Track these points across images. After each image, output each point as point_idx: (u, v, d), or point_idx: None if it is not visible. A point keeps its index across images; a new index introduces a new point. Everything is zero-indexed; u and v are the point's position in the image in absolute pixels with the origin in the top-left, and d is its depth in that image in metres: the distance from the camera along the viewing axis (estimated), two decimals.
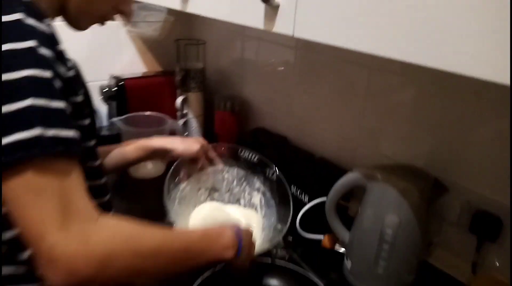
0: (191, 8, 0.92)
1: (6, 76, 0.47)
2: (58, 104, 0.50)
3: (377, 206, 0.80)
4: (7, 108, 0.46)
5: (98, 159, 0.70)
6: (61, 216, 0.48)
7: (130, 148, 0.91)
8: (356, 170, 0.83)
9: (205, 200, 1.01)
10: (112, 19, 0.72)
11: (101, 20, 0.71)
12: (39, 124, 0.47)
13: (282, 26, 0.64)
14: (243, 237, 0.66)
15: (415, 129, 0.92)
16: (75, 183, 0.51)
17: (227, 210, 0.99)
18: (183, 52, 1.39)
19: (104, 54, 1.41)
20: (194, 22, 1.56)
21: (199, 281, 0.74)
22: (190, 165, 0.94)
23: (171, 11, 1.44)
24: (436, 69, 0.47)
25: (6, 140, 0.46)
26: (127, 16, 0.72)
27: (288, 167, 1.04)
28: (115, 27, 1.40)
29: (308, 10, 0.61)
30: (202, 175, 0.99)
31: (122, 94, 1.36)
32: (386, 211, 0.78)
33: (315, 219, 0.98)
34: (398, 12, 0.50)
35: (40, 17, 0.53)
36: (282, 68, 1.24)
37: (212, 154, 0.97)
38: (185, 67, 1.38)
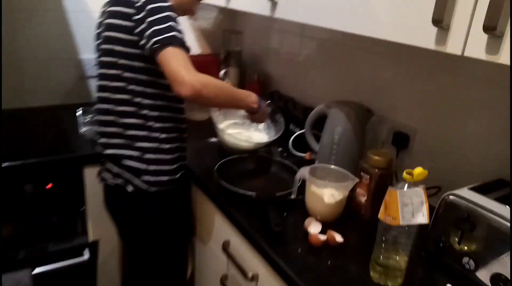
0: (279, 14, 1.34)
1: (159, 6, 1.04)
2: (180, 29, 1.07)
3: (331, 123, 1.32)
4: (163, 21, 1.02)
5: None
6: (185, 67, 1.02)
7: None
8: (321, 105, 1.37)
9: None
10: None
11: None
12: (176, 31, 1.04)
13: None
14: (261, 102, 1.26)
15: (351, 81, 1.44)
16: (189, 60, 1.05)
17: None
18: (226, 39, 1.99)
19: None
20: (236, 17, 2.15)
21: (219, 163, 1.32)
22: None
23: (220, 9, 2.05)
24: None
25: (160, 36, 1.02)
26: (194, 13, 1.31)
27: (290, 113, 1.60)
28: (183, 20, 2.02)
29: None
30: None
31: None
32: (336, 125, 1.30)
33: (301, 144, 1.52)
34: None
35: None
36: (294, 54, 1.80)
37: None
38: (227, 50, 1.98)
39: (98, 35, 1.21)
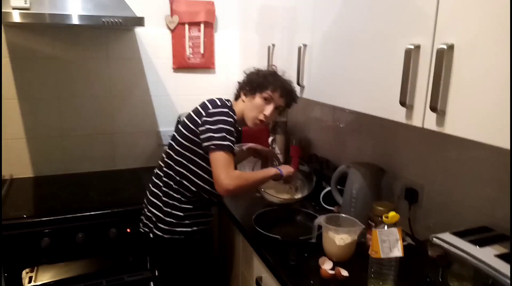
0: (305, 95, 1.83)
1: (222, 118, 1.44)
2: (231, 137, 1.44)
3: (350, 181, 1.59)
4: (219, 132, 1.42)
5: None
6: (226, 172, 1.41)
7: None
8: (342, 165, 1.65)
9: None
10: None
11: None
12: (227, 140, 1.42)
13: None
14: (282, 168, 1.60)
15: (374, 145, 1.71)
16: (232, 161, 1.44)
17: None
18: None
19: None
20: None
21: (257, 213, 1.63)
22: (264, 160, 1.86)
23: None
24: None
25: (215, 141, 1.42)
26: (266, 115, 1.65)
27: (323, 172, 1.90)
28: None
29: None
30: None
31: (240, 134, 2.39)
32: (354, 182, 1.57)
33: (332, 199, 1.78)
34: None
35: (234, 112, 1.51)
36: (328, 122, 2.13)
37: (276, 157, 1.88)
38: (275, 120, 2.36)
39: (176, 126, 1.65)
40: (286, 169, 1.65)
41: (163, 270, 1.66)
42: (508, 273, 0.95)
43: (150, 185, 1.63)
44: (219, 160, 1.40)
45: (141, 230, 1.63)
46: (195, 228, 1.58)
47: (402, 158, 1.62)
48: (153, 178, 1.64)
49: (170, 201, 1.55)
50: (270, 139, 2.35)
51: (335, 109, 2.08)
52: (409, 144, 1.59)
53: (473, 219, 1.31)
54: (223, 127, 1.43)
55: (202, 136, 1.45)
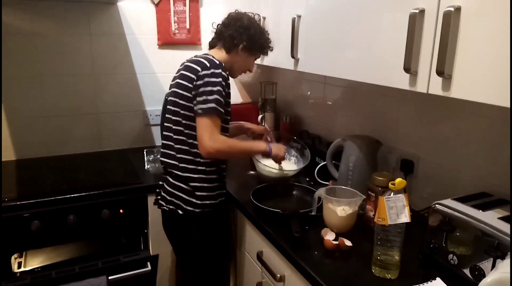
0: (300, 68, 1.80)
1: (211, 84, 1.41)
2: (223, 99, 1.42)
3: (346, 153, 1.59)
4: (207, 95, 1.39)
5: (229, 125, 1.61)
6: (209, 135, 1.39)
7: (234, 125, 1.83)
8: (338, 139, 1.64)
9: None
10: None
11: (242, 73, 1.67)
12: (215, 104, 1.39)
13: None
14: (271, 144, 1.58)
15: (367, 119, 1.71)
16: (217, 125, 1.42)
17: None
18: (263, 89, 2.35)
19: None
20: (271, 71, 2.52)
21: (255, 188, 1.61)
22: (258, 138, 1.84)
23: (258, 66, 2.43)
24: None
25: (203, 105, 1.39)
26: (251, 70, 1.67)
27: (316, 148, 1.89)
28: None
29: None
30: None
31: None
32: (350, 154, 1.57)
33: (326, 174, 1.78)
34: None
35: (225, 70, 1.47)
36: (318, 98, 2.11)
37: (270, 134, 1.86)
38: (264, 98, 2.33)
39: (170, 88, 1.58)
40: (277, 148, 1.63)
41: (182, 245, 1.62)
42: None
43: (176, 161, 1.53)
44: (204, 123, 1.41)
45: (164, 208, 1.57)
46: (220, 199, 1.58)
47: (396, 130, 1.63)
48: (166, 159, 1.57)
49: (201, 176, 1.51)
50: (260, 117, 2.33)
51: (325, 85, 2.06)
52: (402, 116, 1.60)
53: (468, 188, 1.33)
54: (213, 90, 1.40)
55: (195, 98, 1.43)
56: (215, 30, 1.61)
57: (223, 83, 1.43)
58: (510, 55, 0.84)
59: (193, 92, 1.43)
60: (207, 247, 1.59)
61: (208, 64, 1.43)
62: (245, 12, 1.62)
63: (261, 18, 1.88)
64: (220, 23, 1.60)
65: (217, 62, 1.45)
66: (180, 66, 1.56)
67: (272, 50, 1.67)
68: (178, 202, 1.52)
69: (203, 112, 1.40)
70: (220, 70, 1.43)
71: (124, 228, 1.78)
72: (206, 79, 1.41)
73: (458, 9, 0.95)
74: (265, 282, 1.50)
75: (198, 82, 1.42)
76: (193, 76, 1.44)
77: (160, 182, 1.62)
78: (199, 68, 1.43)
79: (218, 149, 1.41)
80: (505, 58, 0.86)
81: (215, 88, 1.40)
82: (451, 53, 0.97)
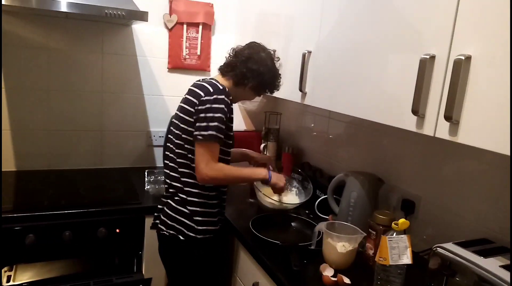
0: (307, 101, 1.83)
1: (213, 110, 1.42)
2: (223, 126, 1.43)
3: (348, 189, 1.60)
4: (209, 121, 1.41)
5: (230, 150, 1.62)
6: (206, 162, 1.41)
7: (235, 152, 1.84)
8: (340, 173, 1.65)
9: None
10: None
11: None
12: (215, 131, 1.40)
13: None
14: (271, 172, 1.57)
15: (368, 156, 1.72)
16: (216, 152, 1.44)
17: None
18: (268, 119, 2.38)
19: None
20: (276, 102, 2.56)
21: (254, 217, 1.61)
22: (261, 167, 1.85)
23: (264, 96, 2.46)
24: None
25: (203, 132, 1.40)
26: (250, 100, 1.69)
27: (317, 180, 1.89)
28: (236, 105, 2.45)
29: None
30: None
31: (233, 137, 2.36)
32: (352, 190, 1.57)
33: (326, 208, 1.78)
34: None
35: (229, 95, 1.48)
36: (322, 132, 2.14)
37: (272, 164, 1.86)
38: (268, 127, 2.35)
39: (176, 112, 1.59)
40: (277, 178, 1.60)
41: (178, 271, 1.59)
42: None
43: (181, 184, 1.53)
44: (202, 150, 1.42)
45: (164, 233, 1.54)
46: (220, 225, 1.58)
47: (398, 169, 1.64)
48: (170, 180, 1.57)
49: (201, 200, 1.51)
50: (262, 145, 2.34)
51: (329, 119, 2.09)
52: (405, 156, 1.62)
53: (469, 232, 1.33)
54: (214, 116, 1.41)
55: (195, 123, 1.44)
56: (229, 56, 1.60)
57: (225, 109, 1.43)
58: None
59: (194, 117, 1.44)
60: (205, 273, 1.56)
61: (211, 90, 1.44)
62: (266, 49, 1.60)
63: (272, 51, 1.92)
64: (238, 52, 1.58)
65: (221, 87, 1.45)
66: (189, 88, 1.58)
67: (278, 90, 1.67)
68: (179, 227, 1.51)
69: (202, 138, 1.41)
70: (223, 96, 1.43)
71: (119, 248, 1.76)
72: (208, 105, 1.42)
73: (468, 58, 0.98)
74: None
75: (200, 107, 1.43)
76: (195, 101, 1.45)
77: (160, 206, 1.60)
78: (202, 93, 1.44)
79: (213, 177, 1.43)
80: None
81: (216, 115, 1.41)
82: (460, 99, 1.00)
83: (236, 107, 2.47)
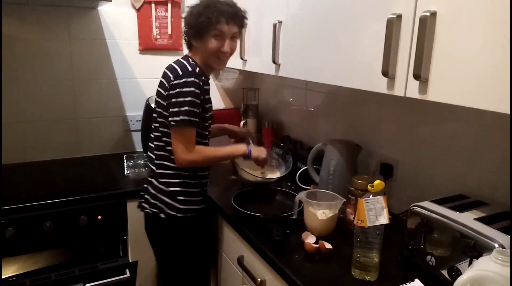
0: (282, 73, 1.75)
1: (183, 95, 1.39)
2: (196, 108, 1.41)
3: (327, 157, 1.60)
4: (179, 106, 1.38)
5: (209, 131, 1.60)
6: (182, 147, 1.39)
7: (213, 127, 1.82)
8: (319, 143, 1.65)
9: None
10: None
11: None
12: (187, 115, 1.37)
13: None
14: (251, 147, 1.55)
15: (347, 124, 1.73)
16: (191, 136, 1.42)
17: None
18: (245, 95, 2.36)
19: None
20: (253, 77, 2.53)
21: (236, 193, 1.61)
22: (241, 141, 1.84)
23: (240, 72, 2.43)
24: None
25: (175, 117, 1.38)
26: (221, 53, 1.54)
27: (297, 153, 1.89)
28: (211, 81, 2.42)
29: None
30: None
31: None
32: (331, 159, 1.58)
33: (307, 178, 1.78)
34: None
35: (200, 75, 1.44)
36: (300, 104, 2.13)
37: (252, 137, 1.85)
38: (246, 103, 2.33)
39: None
40: (257, 151, 1.59)
41: (163, 250, 1.58)
42: (488, 234, 0.99)
43: (154, 166, 1.53)
44: (177, 135, 1.41)
45: (147, 211, 1.54)
46: (202, 205, 1.57)
47: (375, 135, 1.65)
48: (149, 162, 1.56)
49: (181, 180, 1.50)
50: (242, 122, 2.33)
51: (306, 91, 2.08)
52: (382, 121, 1.62)
53: (446, 190, 1.35)
54: (184, 100, 1.38)
55: (168, 108, 1.41)
56: None
57: (197, 91, 1.39)
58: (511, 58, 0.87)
59: (166, 101, 1.42)
60: (188, 252, 1.57)
61: (180, 72, 1.40)
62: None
63: None
64: None
65: (190, 69, 1.41)
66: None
67: (220, 19, 1.40)
68: (161, 205, 1.50)
69: (175, 124, 1.39)
70: (192, 78, 1.39)
71: (103, 235, 1.74)
72: (178, 90, 1.38)
73: (433, 14, 0.97)
74: None
75: (171, 92, 1.40)
76: (167, 84, 1.42)
77: (145, 185, 1.59)
78: (172, 77, 1.41)
79: (192, 160, 1.43)
80: (479, 61, 0.88)
81: (186, 99, 1.38)
82: (428, 57, 0.99)
83: (213, 85, 2.43)
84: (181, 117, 1.38)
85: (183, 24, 1.51)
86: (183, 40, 1.56)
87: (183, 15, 1.52)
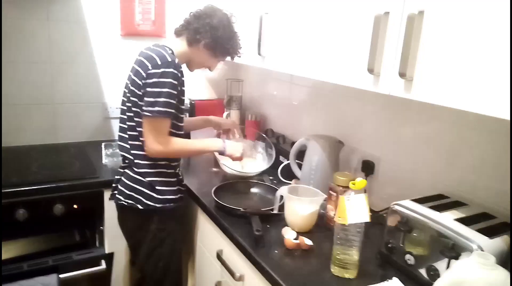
0: (266, 65, 1.65)
1: (160, 85, 1.35)
2: (172, 100, 1.37)
3: (309, 153, 1.59)
4: (155, 96, 1.34)
5: (182, 122, 1.57)
6: (153, 137, 1.36)
7: (197, 119, 1.80)
8: (301, 138, 1.64)
9: None
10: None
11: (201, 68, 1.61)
12: (161, 107, 1.34)
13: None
14: (227, 143, 1.54)
15: (330, 119, 1.72)
16: (164, 127, 1.38)
17: None
18: (229, 86, 2.32)
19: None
20: (238, 68, 2.49)
21: (216, 186, 1.58)
22: (226, 132, 1.81)
23: (225, 62, 2.39)
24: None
25: (150, 108, 1.34)
26: (211, 69, 1.61)
27: (280, 147, 1.88)
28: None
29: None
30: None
31: (193, 108, 2.30)
32: (313, 154, 1.57)
33: (289, 173, 1.77)
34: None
35: (178, 67, 1.41)
36: (284, 98, 2.11)
37: (238, 128, 1.83)
38: (230, 95, 2.30)
39: (126, 81, 1.51)
40: (233, 148, 1.57)
41: (138, 242, 1.55)
42: (468, 235, 1.00)
43: (131, 156, 1.48)
44: (150, 126, 1.39)
45: (122, 202, 1.50)
46: (180, 195, 1.55)
47: (358, 131, 1.65)
48: (123, 152, 1.52)
49: (157, 170, 1.48)
50: (225, 114, 2.30)
51: (291, 84, 2.06)
52: (365, 118, 1.62)
53: (427, 189, 1.36)
54: (162, 91, 1.35)
55: (143, 97, 1.38)
56: (186, 17, 1.53)
57: (174, 83, 1.36)
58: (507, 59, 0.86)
59: (142, 91, 1.38)
60: (166, 243, 1.54)
61: (159, 62, 1.36)
62: (223, 10, 1.54)
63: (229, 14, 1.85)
64: (193, 12, 1.52)
65: (169, 60, 1.37)
66: (138, 55, 1.50)
67: (240, 56, 1.59)
68: (138, 196, 1.47)
69: (150, 114, 1.36)
70: (171, 69, 1.35)
71: (78, 224, 1.70)
72: (155, 79, 1.35)
73: (421, 12, 0.96)
74: (224, 282, 1.47)
75: (147, 81, 1.36)
76: (143, 73, 1.38)
77: (117, 176, 1.55)
78: (149, 66, 1.37)
79: (160, 152, 1.41)
80: (464, 61, 0.87)
81: (164, 90, 1.35)
82: (413, 55, 0.98)
83: (196, 75, 2.38)
84: (157, 108, 1.35)
85: (198, 22, 1.47)
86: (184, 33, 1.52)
87: (210, 20, 1.48)
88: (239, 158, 1.59)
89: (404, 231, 1.14)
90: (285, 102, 2.11)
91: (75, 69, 2.11)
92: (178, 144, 1.45)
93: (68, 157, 1.97)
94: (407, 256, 1.13)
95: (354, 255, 1.12)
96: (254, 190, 1.69)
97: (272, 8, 1.54)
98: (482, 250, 0.94)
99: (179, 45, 1.49)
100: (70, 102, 2.13)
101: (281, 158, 1.89)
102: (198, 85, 2.45)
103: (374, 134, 1.58)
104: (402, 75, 1.00)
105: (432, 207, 1.15)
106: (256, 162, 1.88)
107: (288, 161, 1.75)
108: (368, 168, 1.58)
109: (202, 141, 1.58)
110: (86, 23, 2.07)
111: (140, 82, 1.38)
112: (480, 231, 1.01)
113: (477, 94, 0.85)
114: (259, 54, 1.61)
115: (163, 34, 2.25)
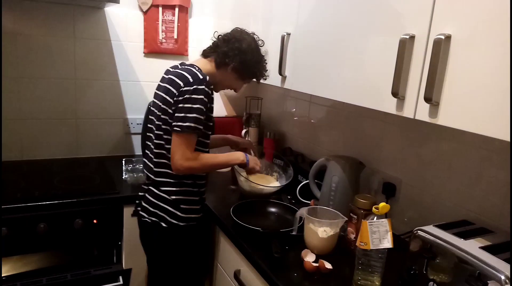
0: (287, 85, 1.61)
1: (192, 101, 1.37)
2: (202, 116, 1.39)
3: (329, 173, 1.58)
4: (186, 112, 1.36)
5: (209, 139, 1.58)
6: (182, 153, 1.37)
7: (216, 137, 1.81)
8: (321, 158, 1.63)
9: None
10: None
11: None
12: (192, 122, 1.36)
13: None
14: (249, 157, 1.56)
15: (350, 139, 1.71)
16: (192, 143, 1.40)
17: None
18: (249, 104, 2.34)
19: None
20: (257, 86, 2.51)
21: (235, 204, 1.58)
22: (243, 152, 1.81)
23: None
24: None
25: (181, 123, 1.36)
26: (237, 91, 1.65)
27: (298, 166, 1.87)
28: None
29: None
30: None
31: (213, 126, 2.30)
32: (333, 175, 1.56)
33: (307, 193, 1.76)
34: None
35: (210, 85, 1.43)
36: (303, 116, 2.11)
37: (254, 148, 1.84)
38: (249, 113, 2.31)
39: (154, 97, 1.53)
40: (254, 162, 1.62)
41: (159, 259, 1.55)
42: (494, 265, 0.97)
43: (156, 174, 1.50)
44: (179, 141, 1.39)
45: (146, 220, 1.51)
46: (201, 214, 1.56)
47: (379, 152, 1.63)
48: (147, 171, 1.54)
49: (182, 188, 1.49)
50: (244, 131, 2.31)
51: (311, 103, 2.06)
52: (386, 139, 1.60)
53: (449, 213, 1.34)
54: (193, 107, 1.37)
55: (174, 114, 1.40)
56: (215, 40, 1.57)
57: (205, 100, 1.39)
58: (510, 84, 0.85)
59: (173, 108, 1.40)
60: (186, 261, 1.54)
61: (191, 80, 1.38)
62: (251, 34, 1.57)
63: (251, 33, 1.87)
64: (222, 35, 1.56)
65: (201, 77, 1.39)
66: (165, 73, 1.52)
67: (266, 79, 1.64)
68: (162, 214, 1.48)
69: (180, 130, 1.37)
70: (203, 86, 1.38)
71: (97, 240, 1.71)
72: (187, 96, 1.37)
73: (448, 37, 0.95)
74: None
75: (179, 98, 1.38)
76: (175, 91, 1.40)
77: (141, 193, 1.57)
78: (182, 83, 1.39)
79: (189, 167, 1.41)
80: (492, 87, 0.86)
81: (195, 106, 1.37)
82: (440, 80, 0.98)
83: (217, 93, 2.41)
84: (188, 124, 1.36)
85: (228, 45, 1.51)
86: (212, 55, 1.55)
87: (244, 43, 1.52)
88: (258, 172, 1.63)
89: (427, 258, 1.11)
90: (304, 120, 2.11)
91: (99, 85, 2.16)
92: (204, 158, 1.46)
93: (89, 171, 2.00)
94: (431, 284, 1.10)
95: (375, 281, 1.10)
96: (272, 209, 1.68)
97: (294, 28, 1.55)
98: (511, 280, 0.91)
99: (207, 66, 1.52)
100: (92, 117, 2.17)
101: (299, 177, 1.88)
102: (217, 103, 2.47)
103: (395, 155, 1.56)
104: (428, 99, 0.99)
105: (456, 234, 1.12)
106: (274, 180, 1.87)
107: (307, 181, 1.74)
108: (389, 190, 1.56)
109: (225, 155, 1.60)
110: (111, 41, 2.13)
111: (171, 100, 1.40)
112: (507, 260, 0.98)
113: (504, 121, 0.84)
114: (280, 74, 1.62)
115: (185, 52, 2.29)
